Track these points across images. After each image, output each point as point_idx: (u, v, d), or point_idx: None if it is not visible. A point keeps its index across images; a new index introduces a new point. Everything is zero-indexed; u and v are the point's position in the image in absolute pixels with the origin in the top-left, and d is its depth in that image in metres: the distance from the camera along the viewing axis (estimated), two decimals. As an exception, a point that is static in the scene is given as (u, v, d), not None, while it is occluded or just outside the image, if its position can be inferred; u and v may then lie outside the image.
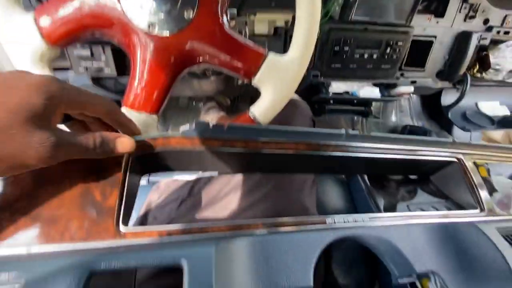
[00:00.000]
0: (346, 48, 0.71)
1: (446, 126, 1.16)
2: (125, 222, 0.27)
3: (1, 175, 0.21)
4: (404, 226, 0.35)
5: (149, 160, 0.32)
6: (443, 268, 0.32)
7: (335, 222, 0.33)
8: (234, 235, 0.28)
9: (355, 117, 0.95)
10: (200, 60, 0.36)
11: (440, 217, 0.37)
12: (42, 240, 0.24)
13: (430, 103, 1.22)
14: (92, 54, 0.61)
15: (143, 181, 1.00)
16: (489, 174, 0.51)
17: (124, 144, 0.27)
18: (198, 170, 0.38)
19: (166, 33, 0.34)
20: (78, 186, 0.27)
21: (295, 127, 0.35)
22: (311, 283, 0.26)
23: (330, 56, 0.73)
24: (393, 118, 1.41)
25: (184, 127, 0.32)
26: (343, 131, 0.37)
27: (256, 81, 0.39)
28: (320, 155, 0.37)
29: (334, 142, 0.38)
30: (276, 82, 0.39)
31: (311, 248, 0.28)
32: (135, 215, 0.56)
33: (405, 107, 1.41)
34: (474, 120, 0.99)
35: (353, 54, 0.72)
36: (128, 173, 0.29)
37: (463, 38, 0.80)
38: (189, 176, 0.60)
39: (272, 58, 0.38)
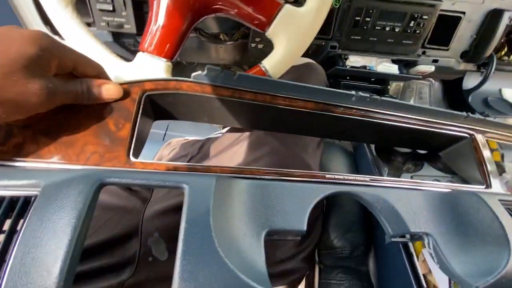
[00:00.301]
0: (368, 19, 0.68)
1: None
2: (136, 155, 0.29)
3: (6, 119, 0.23)
4: (404, 190, 0.35)
5: (161, 102, 0.34)
6: (438, 231, 0.32)
7: (335, 178, 0.34)
8: (235, 177, 0.29)
9: (372, 96, 0.93)
10: (217, 6, 0.37)
11: (442, 188, 0.37)
12: (60, 159, 0.26)
13: (451, 89, 1.18)
14: (114, 9, 0.62)
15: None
16: (502, 160, 0.49)
17: (109, 90, 0.28)
18: (207, 121, 0.38)
19: None
20: (95, 115, 0.28)
21: (305, 84, 0.36)
22: (304, 228, 0.27)
23: (350, 27, 0.70)
24: (411, 103, 1.37)
25: (196, 73, 0.32)
26: (353, 92, 0.37)
27: (270, 32, 0.39)
28: (328, 115, 0.37)
29: (344, 103, 0.37)
30: (290, 34, 0.39)
31: (308, 197, 0.29)
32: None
33: (425, 94, 1.36)
34: (495, 106, 0.94)
35: (375, 26, 0.69)
36: (141, 109, 0.30)
37: (493, 17, 0.75)
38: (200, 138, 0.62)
39: (288, 8, 0.38)
